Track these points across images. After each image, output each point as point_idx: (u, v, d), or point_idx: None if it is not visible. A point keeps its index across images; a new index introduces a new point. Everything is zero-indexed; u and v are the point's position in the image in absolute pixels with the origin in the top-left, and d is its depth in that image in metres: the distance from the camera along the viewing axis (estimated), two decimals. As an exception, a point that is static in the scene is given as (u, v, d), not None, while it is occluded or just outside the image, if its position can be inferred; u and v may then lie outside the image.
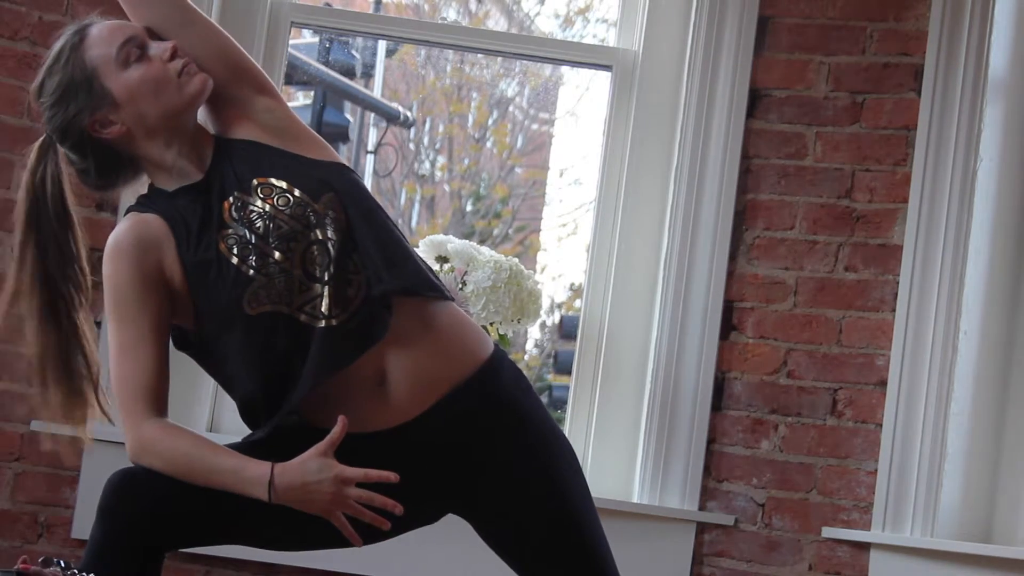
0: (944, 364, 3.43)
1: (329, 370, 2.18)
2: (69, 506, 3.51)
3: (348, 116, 11.99)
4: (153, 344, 2.23)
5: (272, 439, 2.25)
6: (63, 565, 1.95)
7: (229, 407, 3.61)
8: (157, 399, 2.24)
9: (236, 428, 3.21)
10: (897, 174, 3.55)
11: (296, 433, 2.23)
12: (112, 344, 2.26)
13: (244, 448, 2.26)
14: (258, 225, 2.22)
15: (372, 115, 12.70)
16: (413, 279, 2.26)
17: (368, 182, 13.41)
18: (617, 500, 3.51)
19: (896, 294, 3.50)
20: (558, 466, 2.30)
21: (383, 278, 2.22)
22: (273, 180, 2.25)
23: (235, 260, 2.21)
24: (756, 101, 3.63)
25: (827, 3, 3.62)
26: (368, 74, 12.36)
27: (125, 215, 2.31)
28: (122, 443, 3.51)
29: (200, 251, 2.22)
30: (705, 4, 3.62)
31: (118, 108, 2.25)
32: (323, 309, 2.19)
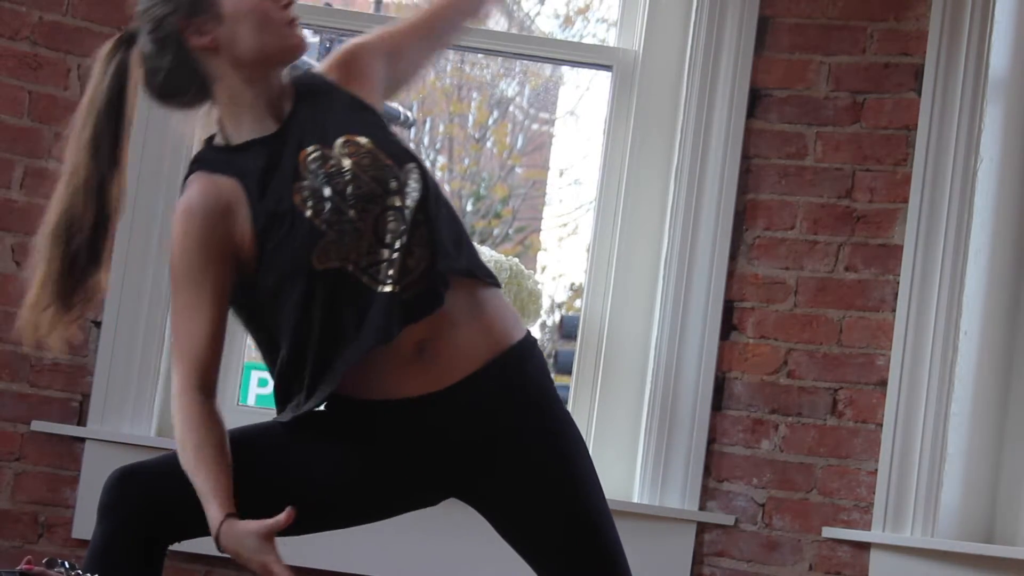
0: (944, 364, 3.43)
1: (383, 338, 2.17)
2: (69, 506, 3.51)
3: (348, 116, 12.01)
4: (211, 312, 2.22)
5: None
6: (67, 566, 1.96)
7: (230, 407, 3.62)
8: (203, 372, 2.22)
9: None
10: (897, 174, 3.55)
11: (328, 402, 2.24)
12: (172, 306, 2.25)
13: (271, 426, 2.26)
14: (337, 181, 2.20)
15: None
16: (476, 261, 2.27)
17: (368, 182, 13.48)
18: (617, 500, 3.51)
19: (896, 294, 3.51)
20: (577, 454, 2.31)
21: (450, 255, 2.22)
22: (360, 139, 2.24)
23: (309, 213, 2.19)
24: (756, 101, 3.63)
25: (827, 3, 3.62)
26: (368, 74, 12.39)
27: (191, 174, 2.28)
28: (122, 443, 3.51)
29: (272, 203, 2.21)
30: (705, 4, 3.62)
31: (218, 22, 2.23)
32: (388, 275, 2.18)
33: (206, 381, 2.22)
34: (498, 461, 2.27)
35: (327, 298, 2.18)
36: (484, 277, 2.28)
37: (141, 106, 3.64)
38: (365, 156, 2.22)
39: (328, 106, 2.29)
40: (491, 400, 2.26)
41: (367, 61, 2.38)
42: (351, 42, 2.40)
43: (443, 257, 2.21)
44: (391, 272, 2.18)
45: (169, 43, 2.27)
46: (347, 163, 2.22)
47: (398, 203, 2.20)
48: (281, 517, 2.14)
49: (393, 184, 2.21)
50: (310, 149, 2.23)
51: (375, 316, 2.17)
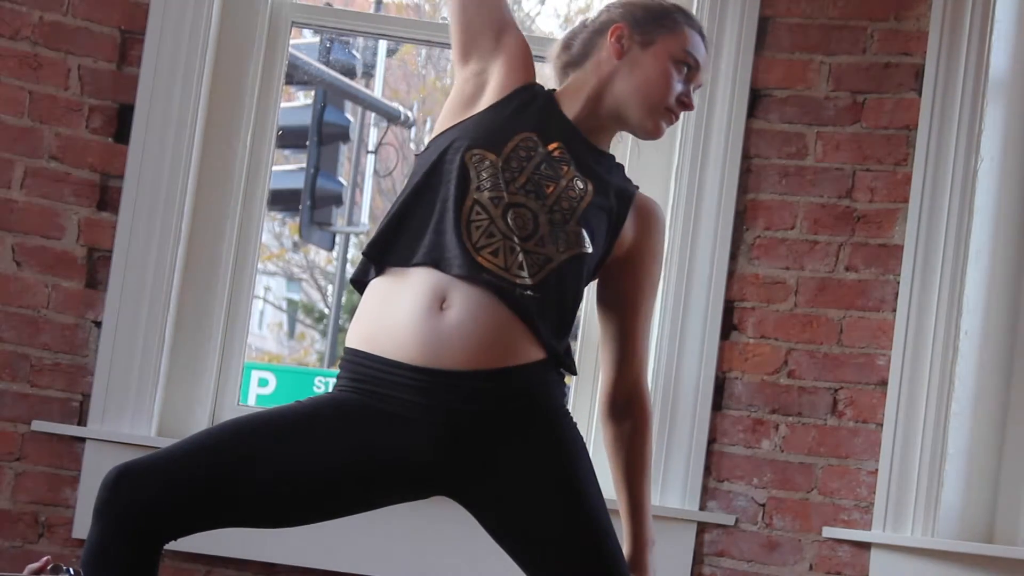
0: (945, 364, 3.43)
1: (447, 267, 2.27)
2: (70, 506, 3.51)
3: (349, 116, 12.00)
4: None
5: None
6: (72, 572, 1.96)
7: (230, 407, 3.62)
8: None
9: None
10: (898, 174, 3.55)
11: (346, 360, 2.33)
12: None
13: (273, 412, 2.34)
14: (546, 169, 2.34)
15: (373, 115, 12.70)
16: (561, 344, 2.35)
17: (369, 182, 13.41)
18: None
19: (897, 294, 3.50)
20: (580, 466, 2.31)
21: (556, 327, 2.32)
22: (581, 182, 2.38)
23: (509, 145, 2.33)
24: (757, 101, 3.63)
25: (828, 3, 3.62)
26: (369, 74, 12.36)
27: None
28: (122, 443, 3.52)
29: (522, 112, 2.40)
30: (706, 4, 3.62)
31: (633, 51, 2.45)
32: (481, 240, 2.28)
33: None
34: (500, 468, 2.28)
35: (442, 190, 2.31)
36: (553, 352, 2.32)
37: (140, 110, 3.66)
38: (576, 191, 2.36)
39: (596, 160, 2.45)
40: (505, 397, 2.27)
41: (660, 228, 2.57)
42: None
43: (546, 297, 2.30)
44: (489, 242, 2.28)
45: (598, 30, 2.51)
46: (565, 177, 2.36)
47: (545, 218, 2.31)
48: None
49: (559, 200, 2.33)
50: (567, 155, 2.39)
51: (450, 255, 2.27)
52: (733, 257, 3.59)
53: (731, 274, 3.59)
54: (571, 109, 2.46)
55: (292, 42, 3.81)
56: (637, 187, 2.53)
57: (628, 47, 2.44)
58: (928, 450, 3.41)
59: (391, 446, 2.27)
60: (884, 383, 3.49)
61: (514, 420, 2.29)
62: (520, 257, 2.28)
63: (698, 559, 3.52)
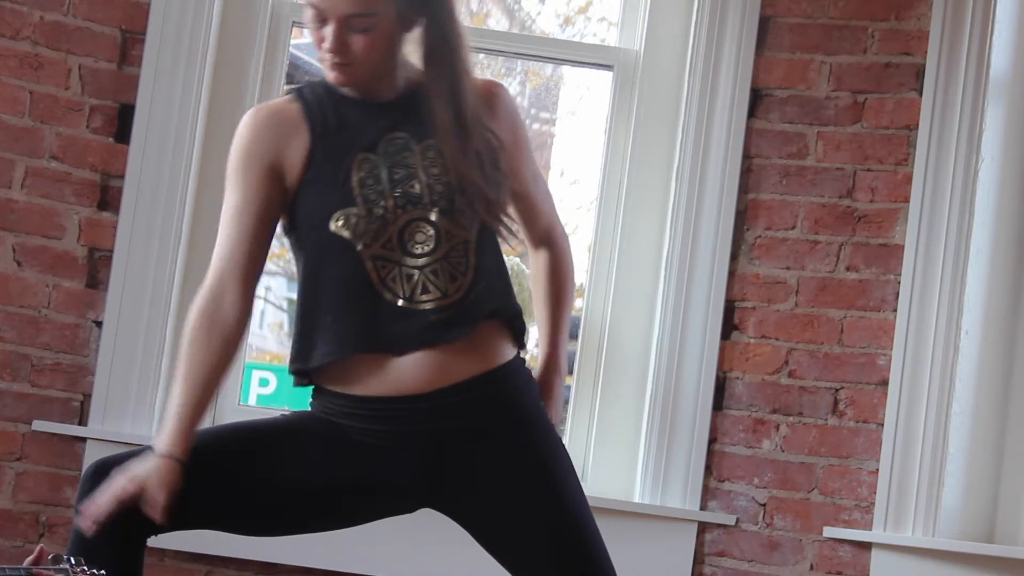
0: (945, 364, 3.43)
1: (393, 347, 2.23)
2: (70, 506, 3.51)
3: (349, 116, 12.00)
4: (256, 217, 2.29)
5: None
6: (72, 562, 1.96)
7: (230, 407, 3.62)
8: (242, 274, 2.29)
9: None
10: (898, 174, 3.55)
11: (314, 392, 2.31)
12: (223, 212, 2.32)
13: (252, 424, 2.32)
14: (400, 173, 2.26)
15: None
16: (516, 308, 2.33)
17: (369, 182, 13.43)
18: (618, 500, 3.51)
19: (897, 294, 3.50)
20: (558, 468, 2.30)
21: (500, 298, 2.29)
22: (447, 152, 2.29)
23: (355, 180, 2.25)
24: (757, 101, 3.63)
25: (828, 3, 3.62)
26: (369, 74, 12.38)
27: (287, 94, 2.39)
28: (123, 443, 3.52)
29: (332, 154, 2.27)
30: (706, 4, 3.62)
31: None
32: (403, 286, 2.24)
33: (231, 284, 2.27)
34: (477, 478, 2.28)
35: (330, 266, 2.25)
36: (515, 321, 2.32)
37: (141, 110, 3.66)
38: (438, 167, 2.27)
39: (449, 112, 2.32)
40: (464, 415, 2.27)
41: (506, 109, 2.42)
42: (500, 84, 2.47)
43: (489, 297, 2.26)
44: (407, 283, 2.23)
45: None
46: (421, 164, 2.28)
47: (435, 219, 2.25)
48: (153, 510, 2.19)
49: (445, 203, 2.26)
50: (399, 136, 2.30)
51: (393, 322, 2.22)
52: (734, 257, 3.59)
53: (732, 274, 3.59)
54: (374, 85, 2.37)
55: (293, 42, 3.81)
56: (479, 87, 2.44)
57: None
58: (929, 450, 3.41)
59: (368, 471, 2.28)
60: (885, 383, 3.49)
61: (482, 431, 2.29)
62: (401, 265, 2.25)
63: (699, 559, 3.52)
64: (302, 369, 2.28)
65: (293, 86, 2.41)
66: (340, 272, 2.25)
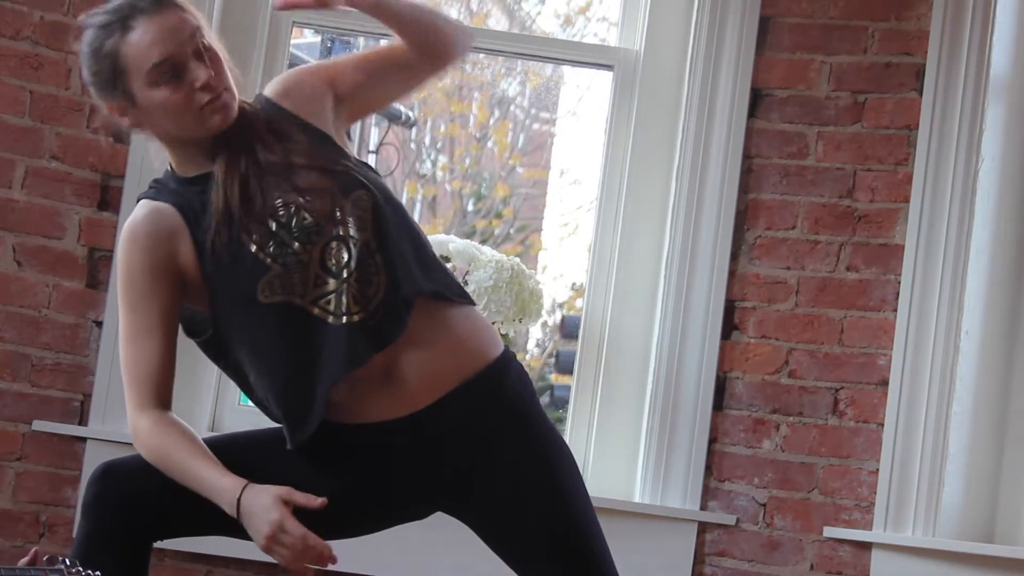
0: (946, 364, 3.43)
1: (347, 367, 2.18)
2: (71, 505, 3.51)
3: (349, 116, 12.01)
4: (160, 335, 2.24)
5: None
6: (68, 563, 1.96)
7: (230, 407, 3.62)
8: (159, 390, 2.25)
9: (237, 427, 3.22)
10: (899, 174, 3.55)
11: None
12: (121, 329, 2.27)
13: (275, 438, 2.27)
14: (281, 214, 2.21)
15: (373, 115, 12.71)
16: (444, 282, 2.27)
17: (369, 182, 13.43)
18: (618, 500, 3.51)
19: (898, 294, 3.50)
20: (559, 467, 2.30)
21: (416, 280, 2.22)
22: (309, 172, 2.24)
23: (254, 247, 2.20)
24: (757, 101, 3.63)
25: (828, 3, 3.62)
26: (369, 74, 12.38)
27: (139, 201, 2.31)
28: (123, 443, 3.52)
29: (215, 235, 2.21)
30: (707, 4, 3.62)
31: (134, 105, 2.24)
32: (341, 306, 2.18)
33: (161, 400, 2.25)
34: (480, 480, 2.28)
35: (278, 332, 2.19)
36: (454, 297, 2.27)
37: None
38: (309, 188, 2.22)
39: (281, 138, 2.27)
40: (467, 420, 2.26)
41: (310, 84, 2.35)
42: (294, 70, 2.39)
43: (408, 282, 2.21)
44: (344, 302, 2.19)
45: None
46: (292, 196, 2.21)
47: (342, 232, 2.20)
48: (315, 504, 2.15)
49: (337, 214, 2.20)
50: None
51: (335, 348, 2.17)
52: (734, 257, 3.59)
53: (732, 274, 3.59)
54: (204, 150, 2.28)
55: (293, 42, 3.81)
56: (268, 95, 2.36)
57: (122, 110, 2.27)
58: (929, 450, 3.41)
59: (375, 486, 2.29)
60: (885, 383, 3.49)
61: (484, 432, 2.28)
62: (334, 289, 2.21)
63: (699, 559, 3.52)
64: (305, 436, 2.22)
65: (142, 193, 2.32)
66: (293, 330, 2.19)
